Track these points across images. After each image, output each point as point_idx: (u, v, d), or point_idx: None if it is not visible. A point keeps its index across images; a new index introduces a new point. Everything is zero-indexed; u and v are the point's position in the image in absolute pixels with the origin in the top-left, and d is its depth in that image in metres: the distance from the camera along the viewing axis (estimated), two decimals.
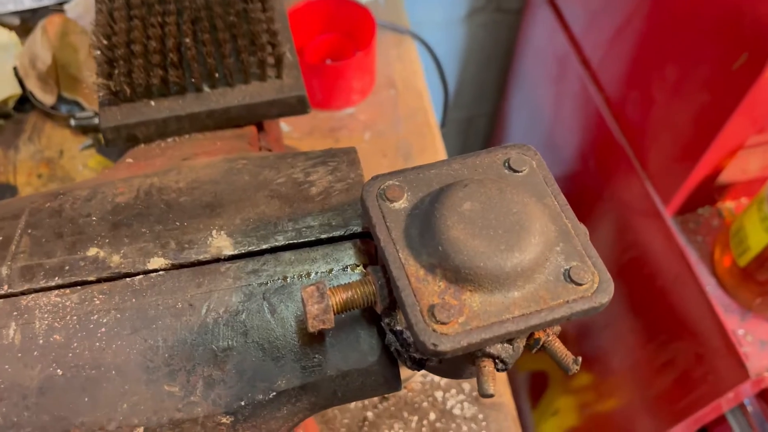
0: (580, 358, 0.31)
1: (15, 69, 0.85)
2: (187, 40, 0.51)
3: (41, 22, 0.86)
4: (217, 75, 0.50)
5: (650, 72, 0.85)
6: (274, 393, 0.34)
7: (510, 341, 0.31)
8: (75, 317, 0.35)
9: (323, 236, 0.38)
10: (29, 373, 0.34)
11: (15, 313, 0.35)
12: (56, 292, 0.36)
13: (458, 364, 0.34)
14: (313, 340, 0.35)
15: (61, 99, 0.86)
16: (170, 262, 0.37)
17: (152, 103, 0.50)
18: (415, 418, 0.65)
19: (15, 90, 0.85)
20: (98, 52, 0.50)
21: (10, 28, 0.90)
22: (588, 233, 0.33)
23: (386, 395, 0.66)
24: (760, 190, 0.74)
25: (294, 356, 0.35)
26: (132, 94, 0.49)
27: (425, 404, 0.66)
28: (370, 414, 0.66)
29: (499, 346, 0.31)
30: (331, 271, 0.37)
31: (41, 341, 0.35)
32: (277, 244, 0.38)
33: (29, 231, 0.39)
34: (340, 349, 0.35)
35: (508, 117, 1.43)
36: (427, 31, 1.19)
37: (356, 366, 0.35)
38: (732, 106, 0.71)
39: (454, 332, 0.29)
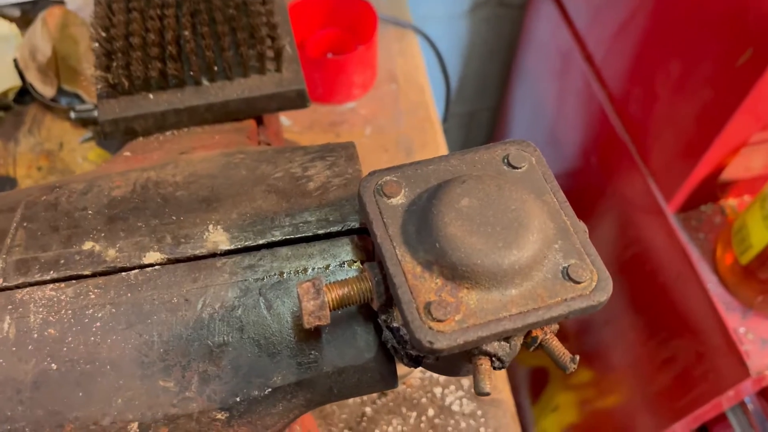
0: (577, 357, 0.31)
1: (15, 61, 0.84)
2: (186, 32, 0.51)
3: (41, 14, 0.85)
4: (216, 68, 0.50)
5: (654, 68, 0.85)
6: (270, 389, 0.34)
7: (507, 339, 0.31)
8: (70, 311, 0.35)
9: (320, 232, 0.37)
10: (23, 367, 0.34)
11: (10, 306, 0.35)
12: (51, 286, 0.36)
13: (455, 362, 0.34)
14: (309, 336, 0.35)
15: (61, 91, 0.85)
16: (166, 256, 0.37)
17: (151, 96, 0.50)
18: (414, 414, 0.65)
19: (15, 82, 0.85)
20: (96, 45, 0.50)
21: (11, 19, 0.90)
22: (587, 231, 0.33)
23: (384, 391, 0.66)
24: (763, 188, 0.73)
25: (290, 352, 0.35)
26: (130, 86, 0.49)
27: (424, 400, 0.66)
28: (368, 409, 0.65)
29: (496, 344, 0.31)
30: (327, 267, 0.37)
31: (36, 335, 0.34)
32: (273, 239, 0.37)
33: (25, 224, 0.38)
34: (337, 345, 0.35)
35: (511, 112, 1.43)
36: (430, 26, 1.19)
37: (352, 363, 0.35)
38: (736, 103, 0.71)
39: (450, 330, 0.29)
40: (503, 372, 0.69)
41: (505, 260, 0.30)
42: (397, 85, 0.92)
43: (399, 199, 0.33)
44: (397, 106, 0.90)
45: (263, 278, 0.36)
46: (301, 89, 0.51)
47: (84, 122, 0.84)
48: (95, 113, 0.82)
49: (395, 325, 0.33)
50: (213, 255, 0.37)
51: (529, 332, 0.32)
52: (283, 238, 0.37)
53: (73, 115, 0.82)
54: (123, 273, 0.36)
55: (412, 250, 0.31)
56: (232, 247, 0.37)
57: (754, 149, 0.79)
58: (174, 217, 0.38)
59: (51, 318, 0.35)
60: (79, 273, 0.36)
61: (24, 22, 0.89)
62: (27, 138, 0.84)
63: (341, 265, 0.37)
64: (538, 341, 0.32)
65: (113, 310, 0.35)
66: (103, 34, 0.50)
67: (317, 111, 0.89)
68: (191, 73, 0.50)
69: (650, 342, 0.97)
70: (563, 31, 1.06)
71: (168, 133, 0.51)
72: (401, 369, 0.65)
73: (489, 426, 0.65)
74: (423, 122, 0.89)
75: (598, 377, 1.16)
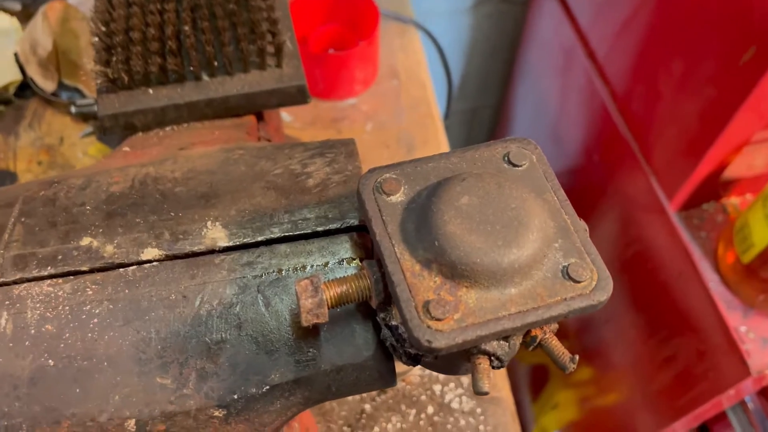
0: (576, 357, 0.31)
1: (16, 55, 0.84)
2: (186, 27, 0.50)
3: (42, 8, 0.85)
4: (216, 63, 0.50)
5: (656, 66, 0.84)
6: (268, 387, 0.34)
7: (506, 338, 0.31)
8: (67, 307, 0.35)
9: (319, 229, 0.37)
10: (20, 363, 0.34)
11: (7, 302, 0.35)
12: (49, 281, 0.36)
13: (454, 361, 0.34)
14: (307, 333, 0.35)
15: (61, 86, 0.85)
16: (164, 252, 0.36)
17: (150, 91, 0.49)
18: (413, 411, 0.65)
19: (16, 76, 0.84)
20: (96, 39, 0.49)
21: (12, 13, 0.89)
22: (588, 230, 0.32)
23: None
24: (766, 186, 0.73)
25: (288, 350, 0.35)
26: (130, 81, 0.49)
27: (423, 397, 0.66)
28: (367, 406, 0.65)
29: (495, 343, 0.30)
30: (326, 264, 0.36)
31: (33, 331, 0.34)
32: (272, 236, 0.37)
33: (23, 219, 0.38)
34: (335, 343, 0.35)
35: (513, 109, 1.42)
36: (432, 22, 1.18)
37: (351, 361, 0.35)
38: (739, 101, 0.71)
39: (449, 329, 0.29)
40: (503, 370, 0.69)
41: (505, 259, 0.30)
42: (398, 81, 0.92)
43: (398, 197, 0.33)
44: (399, 102, 0.90)
45: (262, 275, 0.36)
46: (301, 85, 0.50)
47: (84, 117, 0.83)
48: (96, 108, 0.82)
49: (394, 323, 0.33)
50: (211, 252, 0.37)
51: (529, 331, 0.32)
52: (282, 235, 0.37)
53: (73, 109, 0.81)
54: (121, 269, 0.36)
55: (411, 248, 0.31)
56: (231, 243, 0.37)
57: (757, 148, 0.78)
58: (172, 214, 0.38)
59: (48, 314, 0.35)
60: (77, 269, 0.36)
61: (25, 15, 0.89)
62: (27, 132, 0.83)
63: (340, 262, 0.36)
64: (538, 341, 0.32)
65: (111, 306, 0.35)
66: (103, 29, 0.50)
67: (318, 107, 0.89)
68: (191, 68, 0.50)
69: (651, 340, 0.97)
70: (566, 27, 1.06)
71: (168, 128, 0.50)
72: (401, 366, 0.65)
73: (488, 424, 0.65)
74: (424, 119, 0.88)
75: (598, 375, 1.16)
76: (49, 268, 0.36)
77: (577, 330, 1.21)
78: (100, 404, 0.33)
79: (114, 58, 0.48)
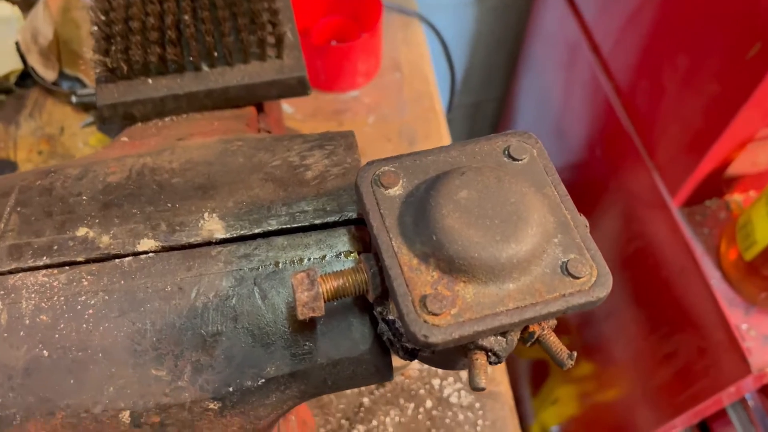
0: (575, 354, 0.30)
1: (17, 44, 0.84)
2: (186, 17, 0.50)
3: None
4: (216, 54, 0.49)
5: (661, 61, 0.84)
6: (263, 380, 0.34)
7: (504, 334, 0.31)
8: (62, 298, 0.35)
9: (317, 222, 0.37)
10: (15, 354, 0.34)
11: (2, 292, 0.35)
12: (44, 272, 0.35)
13: (451, 356, 0.33)
14: (304, 327, 0.35)
15: (62, 75, 0.85)
16: (160, 244, 0.36)
17: (150, 81, 0.49)
18: (412, 405, 0.65)
19: (17, 65, 0.84)
20: (95, 28, 0.49)
21: (13, 2, 0.89)
22: (588, 225, 0.32)
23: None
24: None
25: (284, 343, 0.34)
26: (129, 71, 0.49)
27: (422, 391, 0.66)
28: (366, 400, 0.65)
29: (492, 338, 0.30)
30: (324, 257, 0.36)
31: (28, 321, 0.34)
32: (269, 228, 0.37)
33: (18, 209, 0.38)
34: (332, 337, 0.35)
35: (516, 103, 1.42)
36: (435, 14, 1.17)
37: (347, 354, 0.35)
38: (743, 98, 0.70)
39: (446, 324, 0.29)
40: (502, 365, 0.69)
41: (503, 254, 0.30)
42: (401, 74, 0.91)
43: (397, 190, 0.33)
44: (401, 95, 0.89)
45: (258, 268, 0.36)
46: (301, 76, 0.50)
47: (85, 107, 0.83)
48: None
49: (391, 317, 0.33)
50: (208, 243, 0.37)
51: (527, 327, 0.32)
52: (280, 227, 0.37)
53: (74, 99, 0.81)
54: (116, 260, 0.36)
55: (409, 242, 0.31)
56: (228, 235, 0.37)
57: (761, 144, 0.78)
58: (169, 205, 0.38)
59: (43, 304, 0.35)
60: (73, 259, 0.36)
61: (26, 4, 0.89)
62: (28, 122, 0.83)
63: (337, 255, 0.36)
64: (536, 337, 0.31)
65: (106, 297, 0.35)
66: (103, 18, 0.49)
67: (320, 99, 0.89)
68: (191, 58, 0.49)
69: (652, 336, 0.96)
70: (571, 21, 1.05)
71: (167, 119, 0.50)
72: (399, 361, 0.65)
73: (487, 418, 0.64)
74: (427, 112, 0.88)
75: (599, 371, 1.16)
76: (44, 258, 0.36)
77: (578, 325, 1.21)
78: (94, 395, 0.33)
79: (113, 48, 0.48)
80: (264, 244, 0.36)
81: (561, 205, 0.32)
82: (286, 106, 0.87)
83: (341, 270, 0.33)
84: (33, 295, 0.35)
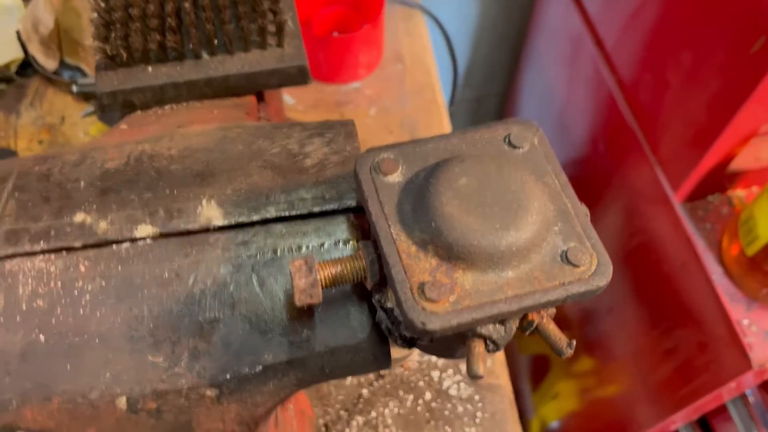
0: (574, 342, 0.30)
1: (18, 33, 0.83)
2: (186, 4, 0.50)
3: None
4: (216, 42, 0.49)
5: (665, 55, 0.83)
6: (261, 367, 0.34)
7: (502, 322, 0.30)
8: (59, 283, 0.35)
9: (316, 209, 0.37)
10: (11, 339, 0.33)
11: None
12: (41, 257, 0.35)
13: (450, 344, 0.33)
14: (302, 314, 0.34)
15: (63, 64, 0.85)
16: (158, 230, 0.36)
17: (149, 68, 0.49)
18: (411, 396, 0.65)
19: (17, 54, 0.84)
20: (95, 15, 0.49)
21: None
22: (589, 214, 0.32)
23: (382, 373, 0.66)
24: None
25: (282, 330, 0.34)
26: (129, 58, 0.48)
27: (421, 383, 0.66)
28: (365, 391, 0.65)
29: (490, 326, 0.30)
30: (322, 245, 0.36)
31: (24, 307, 0.34)
32: (268, 215, 0.37)
33: (16, 194, 0.38)
34: (330, 325, 0.35)
35: (519, 98, 1.41)
36: (438, 7, 1.17)
37: (345, 342, 0.34)
38: (747, 92, 0.70)
39: (444, 311, 0.28)
40: (502, 358, 0.68)
41: (503, 241, 0.29)
42: (403, 66, 0.91)
43: (396, 177, 0.33)
44: (403, 87, 0.89)
45: (257, 255, 0.35)
46: (302, 65, 0.50)
47: (86, 96, 0.83)
48: None
49: (389, 305, 0.33)
50: (206, 230, 0.36)
51: (525, 316, 0.31)
52: (278, 214, 0.37)
53: (75, 88, 0.81)
54: (114, 246, 0.36)
55: (408, 230, 0.31)
56: (226, 222, 0.36)
57: (764, 140, 0.77)
58: (167, 191, 0.38)
59: (40, 290, 0.34)
60: (70, 245, 0.36)
61: None
62: (29, 111, 0.83)
63: (336, 243, 0.36)
64: (534, 325, 0.31)
65: (103, 283, 0.35)
66: (102, 4, 0.49)
67: (322, 90, 0.88)
68: (191, 46, 0.49)
69: (653, 332, 0.96)
70: (574, 15, 1.05)
71: (167, 107, 0.50)
72: (399, 352, 0.65)
73: (486, 411, 0.64)
74: (429, 104, 0.88)
75: (599, 366, 1.16)
76: (41, 243, 0.36)
77: (579, 321, 1.21)
78: (90, 381, 0.33)
79: (113, 35, 0.48)
80: (262, 232, 0.36)
81: (561, 194, 0.32)
82: (288, 97, 0.87)
83: (339, 257, 0.32)
84: (30, 281, 0.35)
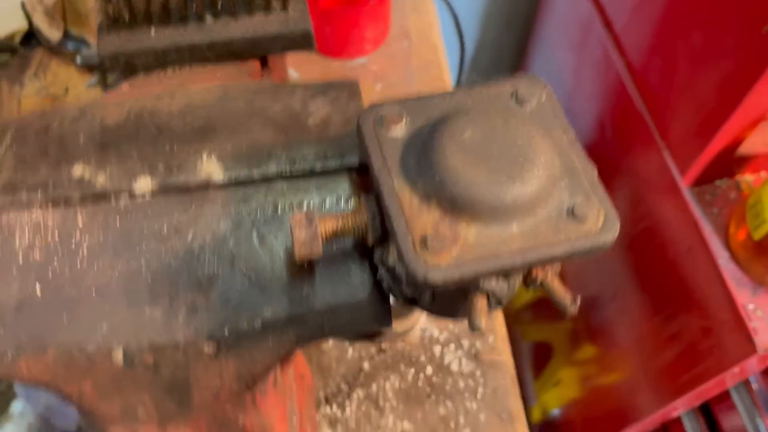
0: (578, 298, 0.30)
1: (22, 3, 0.83)
2: None
3: None
4: (220, 5, 0.48)
5: (675, 37, 0.82)
6: (260, 322, 0.33)
7: (506, 277, 0.30)
8: (57, 236, 0.34)
9: (318, 166, 0.36)
10: (7, 291, 0.33)
11: None
12: (38, 209, 0.35)
13: (452, 301, 0.33)
14: (302, 272, 0.34)
15: (67, 35, 0.84)
16: (157, 184, 0.35)
17: (152, 31, 0.48)
18: (412, 371, 0.64)
19: (21, 25, 0.83)
20: None
21: None
22: (596, 169, 0.31)
23: (383, 347, 0.65)
24: None
25: (281, 287, 0.34)
26: (131, 20, 0.48)
27: (423, 358, 0.65)
28: (366, 365, 0.65)
29: (494, 281, 0.29)
30: (324, 202, 0.35)
31: (21, 259, 0.34)
32: (269, 172, 0.36)
33: (14, 148, 0.37)
34: (330, 282, 0.34)
35: None
36: None
37: (346, 300, 0.34)
38: (757, 74, 0.69)
39: (446, 264, 0.28)
40: (505, 334, 0.68)
41: (508, 194, 0.29)
42: (409, 43, 0.90)
43: (399, 131, 0.32)
44: (409, 63, 0.88)
45: (257, 211, 0.35)
46: (306, 30, 0.49)
47: (90, 67, 0.82)
48: None
49: (390, 261, 0.32)
50: (206, 185, 0.36)
51: (530, 271, 0.31)
52: (279, 171, 0.36)
53: (79, 60, 0.80)
54: (113, 200, 0.35)
55: (411, 183, 0.30)
56: (226, 178, 0.36)
57: None
58: (167, 147, 0.37)
59: (37, 242, 0.34)
60: (68, 197, 0.35)
61: None
62: (32, 82, 0.82)
63: (338, 200, 0.35)
64: (539, 281, 0.31)
65: (101, 236, 0.34)
66: None
67: (327, 65, 0.87)
68: (194, 8, 0.48)
69: (656, 317, 0.95)
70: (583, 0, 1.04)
71: (169, 70, 0.49)
72: (401, 326, 0.64)
73: (488, 386, 0.64)
74: (435, 81, 0.87)
75: (601, 353, 1.15)
76: (39, 195, 0.35)
77: (582, 308, 1.20)
78: (87, 333, 0.33)
79: None
80: (263, 188, 0.36)
81: (569, 150, 0.31)
82: (292, 71, 0.86)
83: (341, 212, 0.32)
84: (27, 233, 0.34)
